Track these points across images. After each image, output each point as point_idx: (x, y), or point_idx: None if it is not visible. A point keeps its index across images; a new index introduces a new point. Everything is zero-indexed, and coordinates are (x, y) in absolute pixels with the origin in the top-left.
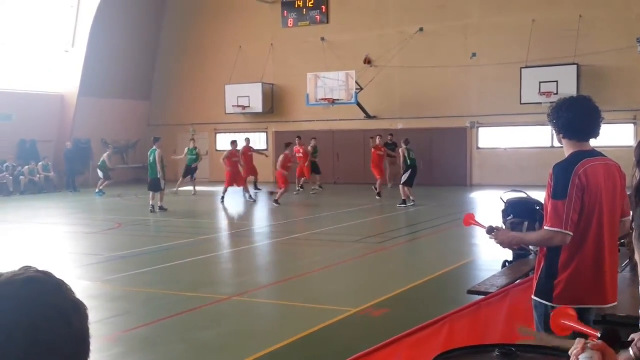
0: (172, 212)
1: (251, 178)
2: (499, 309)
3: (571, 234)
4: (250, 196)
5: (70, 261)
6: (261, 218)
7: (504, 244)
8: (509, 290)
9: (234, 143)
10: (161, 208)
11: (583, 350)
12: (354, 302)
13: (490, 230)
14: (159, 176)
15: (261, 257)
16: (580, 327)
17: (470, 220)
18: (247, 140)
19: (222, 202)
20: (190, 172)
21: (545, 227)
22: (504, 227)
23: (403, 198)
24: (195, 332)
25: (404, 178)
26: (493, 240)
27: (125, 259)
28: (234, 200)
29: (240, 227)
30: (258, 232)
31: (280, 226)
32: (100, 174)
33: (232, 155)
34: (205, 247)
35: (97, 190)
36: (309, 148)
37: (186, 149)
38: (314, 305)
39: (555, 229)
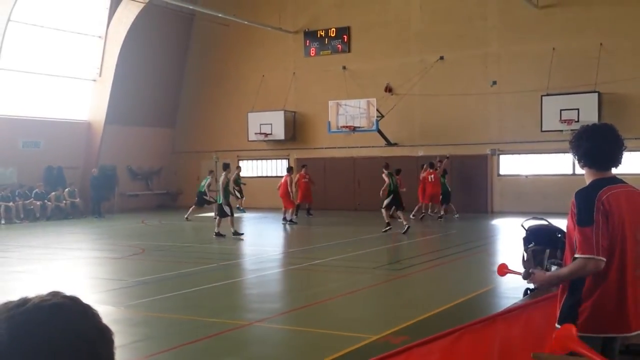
0: (191, 237)
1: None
2: (514, 325)
3: (604, 259)
4: (292, 220)
5: (94, 286)
6: (281, 244)
7: (543, 286)
8: (526, 307)
9: (290, 170)
10: (235, 233)
11: None
12: (373, 329)
13: (527, 276)
14: (221, 202)
15: (281, 283)
16: (581, 350)
17: (504, 270)
18: (304, 167)
19: (293, 222)
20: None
21: (577, 255)
22: (525, 255)
23: (386, 221)
24: (217, 358)
25: (386, 202)
26: (532, 285)
27: (148, 284)
28: (263, 224)
29: (261, 252)
30: (278, 258)
31: (300, 252)
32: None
33: (286, 181)
34: (226, 272)
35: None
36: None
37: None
38: (334, 332)
39: (587, 256)
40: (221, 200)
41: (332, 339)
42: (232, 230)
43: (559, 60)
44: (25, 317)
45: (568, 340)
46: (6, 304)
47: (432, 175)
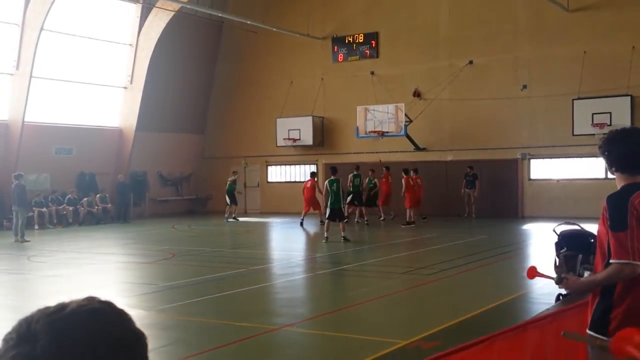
0: (221, 242)
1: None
2: (546, 333)
3: (639, 263)
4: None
5: (125, 290)
6: (310, 249)
7: (577, 292)
8: (557, 314)
9: (313, 175)
10: (345, 238)
11: None
12: (403, 334)
13: (559, 281)
14: (341, 205)
15: (310, 288)
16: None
17: (534, 273)
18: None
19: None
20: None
21: (612, 261)
22: (557, 260)
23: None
24: None
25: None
26: (564, 290)
27: (178, 288)
28: (292, 229)
29: (290, 257)
30: (307, 263)
31: (328, 257)
32: (227, 199)
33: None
34: (255, 277)
35: (227, 217)
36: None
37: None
38: (364, 337)
39: (623, 261)
40: (340, 203)
41: (362, 343)
42: (343, 235)
43: (590, 63)
44: (65, 322)
45: (628, 344)
46: (44, 309)
47: (419, 180)
